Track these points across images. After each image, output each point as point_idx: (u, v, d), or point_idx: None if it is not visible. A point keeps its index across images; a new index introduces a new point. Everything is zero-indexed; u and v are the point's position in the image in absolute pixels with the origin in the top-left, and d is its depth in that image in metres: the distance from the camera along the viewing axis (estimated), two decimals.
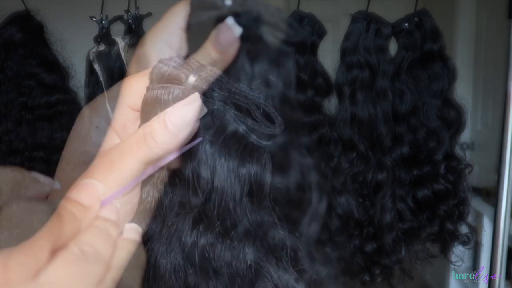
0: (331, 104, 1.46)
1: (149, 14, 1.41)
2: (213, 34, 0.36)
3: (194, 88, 0.34)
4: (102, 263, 0.27)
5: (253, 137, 0.34)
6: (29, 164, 1.34)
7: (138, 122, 0.37)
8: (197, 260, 0.35)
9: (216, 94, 0.34)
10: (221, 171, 0.34)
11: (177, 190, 0.36)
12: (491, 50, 2.05)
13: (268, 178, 0.36)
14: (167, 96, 0.34)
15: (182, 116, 0.32)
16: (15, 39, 1.33)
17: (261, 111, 0.34)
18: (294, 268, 0.38)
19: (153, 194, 0.36)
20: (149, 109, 0.35)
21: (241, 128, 0.33)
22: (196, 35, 0.37)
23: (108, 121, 0.36)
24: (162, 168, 0.34)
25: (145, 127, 0.33)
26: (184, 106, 0.32)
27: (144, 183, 0.35)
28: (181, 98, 0.33)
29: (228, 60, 0.36)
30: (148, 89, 0.35)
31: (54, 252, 0.25)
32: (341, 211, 1.40)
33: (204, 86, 0.34)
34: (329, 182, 1.40)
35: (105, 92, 0.37)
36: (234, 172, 0.34)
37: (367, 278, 1.45)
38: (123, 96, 0.35)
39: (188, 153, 0.34)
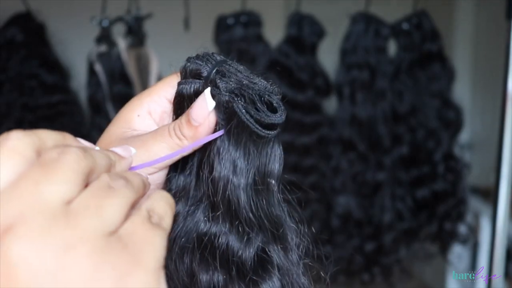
0: (331, 104, 1.47)
1: (149, 15, 1.41)
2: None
3: (210, 82, 0.36)
4: (132, 190, 0.30)
5: (256, 127, 0.34)
6: None
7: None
8: (204, 248, 0.36)
9: (224, 85, 0.35)
10: (227, 162, 0.35)
11: (188, 180, 0.38)
12: (490, 51, 2.06)
13: (273, 168, 0.36)
14: (189, 90, 0.36)
15: (199, 110, 0.35)
16: (16, 40, 1.34)
17: (264, 100, 0.35)
18: (301, 260, 0.39)
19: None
20: (177, 102, 0.38)
21: (245, 118, 0.34)
22: None
23: (147, 112, 0.39)
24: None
25: (176, 121, 0.36)
26: (200, 100, 0.35)
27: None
28: (201, 92, 0.36)
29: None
30: (177, 84, 0.37)
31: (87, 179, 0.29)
32: (341, 211, 1.40)
33: (218, 79, 0.35)
34: (329, 182, 1.41)
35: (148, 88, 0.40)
36: (239, 163, 0.35)
37: (366, 277, 1.46)
38: (162, 91, 0.39)
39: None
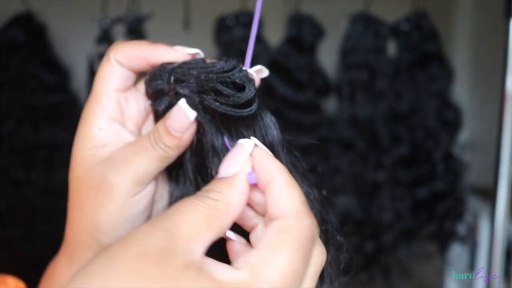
0: (331, 104, 1.47)
1: (149, 15, 1.41)
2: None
3: (175, 94, 0.35)
4: None
5: (236, 111, 0.34)
6: (31, 164, 1.34)
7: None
8: None
9: (185, 91, 0.34)
10: (218, 146, 0.35)
11: (186, 191, 0.38)
12: (489, 51, 2.06)
13: (273, 137, 0.37)
14: (160, 109, 0.36)
15: (179, 121, 0.34)
16: (17, 40, 1.34)
17: (227, 83, 0.34)
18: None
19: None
20: (154, 117, 0.38)
21: (222, 109, 0.33)
22: None
23: (108, 118, 0.36)
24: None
25: (154, 133, 0.35)
26: (177, 113, 0.34)
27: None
28: (171, 106, 0.35)
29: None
30: (150, 104, 0.38)
31: None
32: (340, 211, 1.41)
33: (179, 88, 0.34)
34: (328, 182, 1.41)
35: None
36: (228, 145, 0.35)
37: (366, 277, 1.46)
38: (105, 87, 0.37)
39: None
